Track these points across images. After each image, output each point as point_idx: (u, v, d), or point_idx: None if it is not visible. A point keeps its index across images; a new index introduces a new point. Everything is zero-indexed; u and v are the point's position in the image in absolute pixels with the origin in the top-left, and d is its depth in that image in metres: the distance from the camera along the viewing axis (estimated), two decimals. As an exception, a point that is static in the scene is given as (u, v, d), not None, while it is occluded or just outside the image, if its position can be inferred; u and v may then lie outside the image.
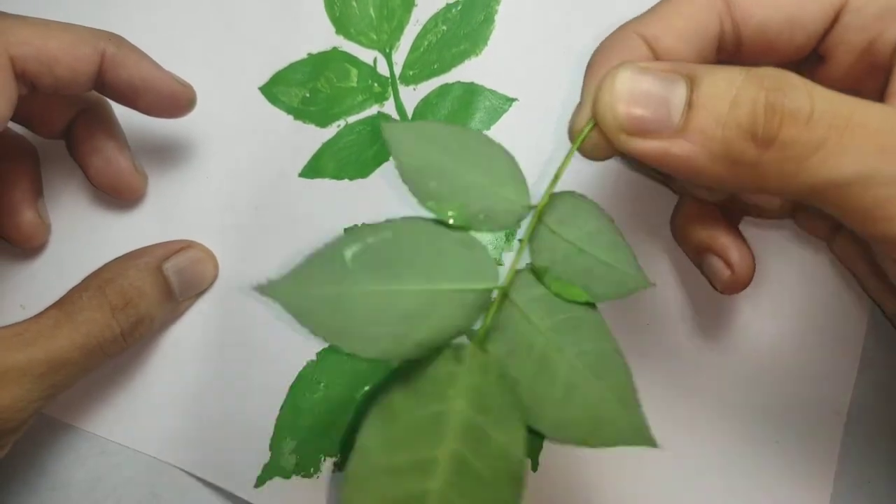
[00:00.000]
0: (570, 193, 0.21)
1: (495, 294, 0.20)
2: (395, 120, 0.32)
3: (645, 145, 0.20)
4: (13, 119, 0.26)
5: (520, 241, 0.30)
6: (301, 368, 0.30)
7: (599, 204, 0.21)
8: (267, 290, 0.18)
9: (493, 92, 0.32)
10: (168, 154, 0.32)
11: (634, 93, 0.20)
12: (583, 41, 0.32)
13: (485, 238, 0.31)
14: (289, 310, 0.18)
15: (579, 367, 0.19)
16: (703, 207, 0.27)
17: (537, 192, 0.21)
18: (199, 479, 0.30)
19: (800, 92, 0.19)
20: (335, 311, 0.18)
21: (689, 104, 0.19)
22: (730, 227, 0.27)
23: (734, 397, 0.30)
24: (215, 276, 0.31)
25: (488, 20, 0.33)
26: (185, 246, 0.30)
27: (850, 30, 0.23)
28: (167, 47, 0.30)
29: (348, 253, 0.19)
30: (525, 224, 0.22)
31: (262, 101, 0.33)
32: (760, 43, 0.23)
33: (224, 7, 0.33)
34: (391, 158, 0.32)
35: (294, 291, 0.18)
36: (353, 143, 0.32)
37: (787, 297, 0.30)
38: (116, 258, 0.28)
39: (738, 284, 0.26)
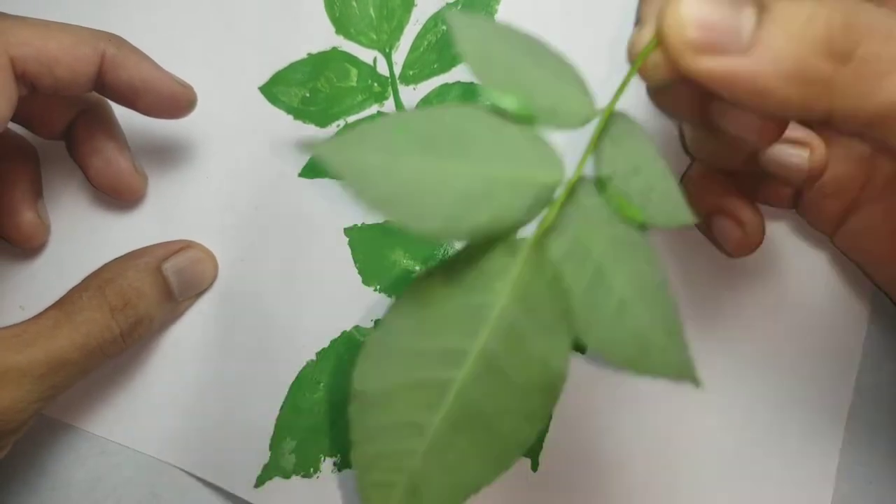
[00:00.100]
0: (624, 114, 0.20)
1: (559, 193, 0.19)
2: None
3: (711, 64, 0.19)
4: (13, 120, 0.26)
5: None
6: (301, 368, 0.30)
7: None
8: (313, 148, 0.16)
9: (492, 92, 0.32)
10: (168, 154, 0.32)
11: (703, 10, 0.19)
12: (582, 41, 0.32)
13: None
14: (335, 171, 0.16)
15: (633, 288, 0.18)
16: (713, 171, 0.27)
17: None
18: (198, 479, 0.30)
19: (877, 12, 0.18)
20: (385, 180, 0.17)
21: (760, 21, 0.18)
22: (739, 191, 0.26)
23: (734, 397, 0.30)
24: (215, 277, 0.31)
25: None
26: (184, 246, 0.30)
27: None
28: (167, 47, 0.30)
29: (402, 125, 0.17)
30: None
31: (262, 101, 0.33)
32: None
33: (224, 7, 0.33)
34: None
35: (342, 153, 0.17)
36: (352, 143, 0.32)
37: (786, 296, 0.30)
38: (116, 258, 0.28)
39: (750, 245, 0.25)
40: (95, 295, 0.26)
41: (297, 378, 0.29)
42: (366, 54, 0.33)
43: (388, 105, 0.33)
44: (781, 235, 0.30)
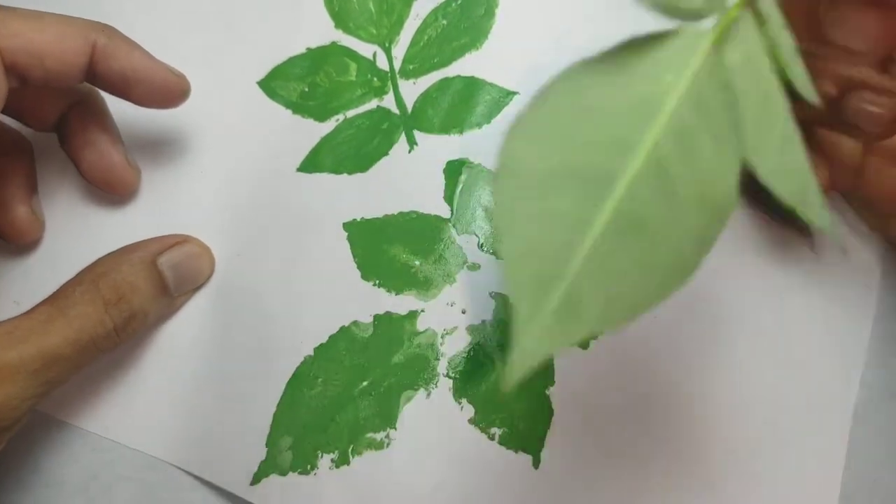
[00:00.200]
0: None
1: None
2: (394, 114, 0.32)
3: None
4: (3, 112, 0.26)
5: None
6: (298, 364, 0.29)
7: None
8: None
9: (493, 86, 0.32)
10: (163, 148, 0.32)
11: None
12: (583, 35, 0.32)
13: (485, 229, 0.30)
14: None
15: (790, 128, 0.17)
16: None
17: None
18: (194, 476, 0.29)
19: None
20: None
21: None
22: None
23: (738, 395, 0.29)
24: (211, 272, 0.30)
25: (489, 14, 0.33)
26: (180, 240, 0.29)
27: None
28: (165, 42, 0.30)
29: None
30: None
31: (261, 96, 0.33)
32: None
33: (222, 2, 0.33)
34: (390, 153, 0.32)
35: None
36: (352, 137, 0.32)
37: (791, 292, 0.30)
38: (110, 253, 0.28)
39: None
40: (89, 289, 0.26)
41: (295, 374, 0.29)
42: (365, 49, 0.33)
43: (388, 100, 0.32)
44: (786, 233, 0.30)
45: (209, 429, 0.29)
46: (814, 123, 0.26)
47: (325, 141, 0.32)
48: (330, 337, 0.29)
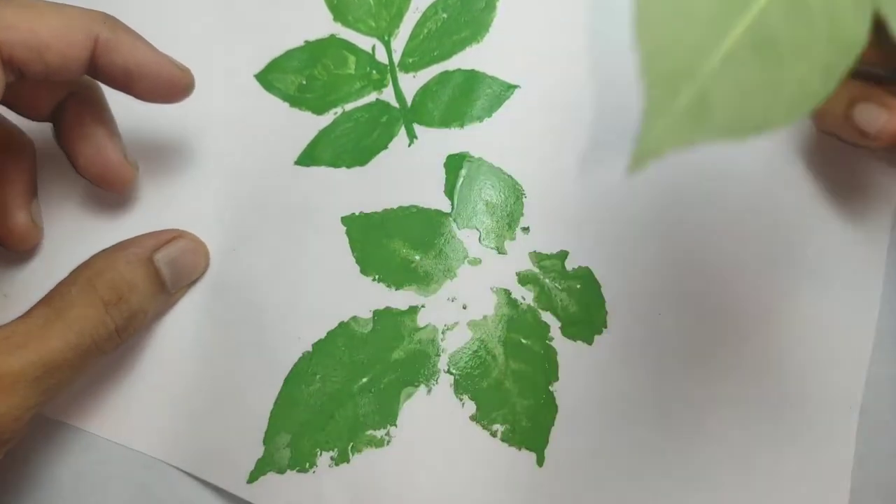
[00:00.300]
0: None
1: None
2: (394, 108, 0.32)
3: None
4: (-3, 101, 0.25)
5: (522, 229, 0.30)
6: (296, 360, 0.29)
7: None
8: None
9: (494, 79, 0.31)
10: (160, 142, 0.31)
11: None
12: (584, 28, 0.31)
13: (486, 224, 0.30)
14: None
15: None
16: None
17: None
18: (189, 474, 0.29)
19: None
20: None
21: None
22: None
23: (744, 392, 0.29)
24: (207, 266, 0.30)
25: (490, 7, 0.33)
26: (175, 235, 0.29)
27: None
28: (162, 33, 0.29)
29: None
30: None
31: (258, 89, 0.32)
32: None
33: (220, -5, 0.33)
34: (390, 146, 0.31)
35: None
36: (350, 130, 0.31)
37: (795, 290, 0.29)
38: (104, 249, 0.27)
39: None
40: (85, 289, 0.25)
41: (293, 370, 0.28)
42: (364, 42, 0.33)
43: (387, 93, 0.32)
44: (789, 229, 0.30)
45: (205, 426, 0.29)
46: None
47: (324, 134, 0.31)
48: (328, 333, 0.29)
